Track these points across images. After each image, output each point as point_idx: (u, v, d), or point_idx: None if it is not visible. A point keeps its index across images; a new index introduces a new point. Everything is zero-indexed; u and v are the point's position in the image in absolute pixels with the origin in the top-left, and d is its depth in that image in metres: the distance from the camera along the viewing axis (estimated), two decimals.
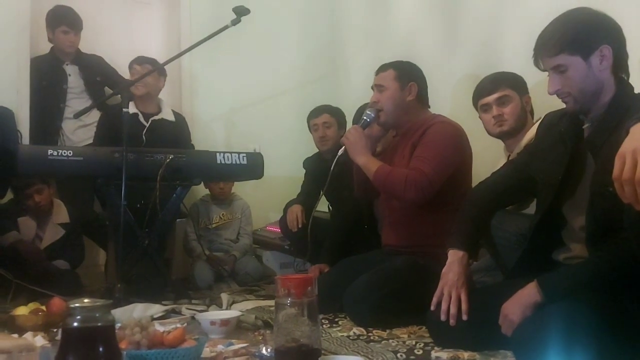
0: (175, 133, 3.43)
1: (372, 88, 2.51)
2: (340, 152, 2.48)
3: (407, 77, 2.46)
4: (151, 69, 3.23)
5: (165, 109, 3.44)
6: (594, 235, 1.59)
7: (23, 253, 3.01)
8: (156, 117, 3.37)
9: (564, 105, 1.69)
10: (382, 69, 2.50)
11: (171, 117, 3.45)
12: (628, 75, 1.66)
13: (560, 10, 1.66)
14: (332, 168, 2.51)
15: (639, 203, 1.18)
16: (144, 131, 3.30)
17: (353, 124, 3.02)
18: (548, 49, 1.62)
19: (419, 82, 2.49)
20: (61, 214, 3.24)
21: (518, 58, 2.05)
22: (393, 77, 2.45)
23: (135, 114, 3.24)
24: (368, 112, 2.46)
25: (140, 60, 3.33)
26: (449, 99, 2.98)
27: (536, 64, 1.67)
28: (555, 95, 1.65)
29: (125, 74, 3.56)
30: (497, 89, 2.30)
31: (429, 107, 2.55)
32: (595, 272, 1.53)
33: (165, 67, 3.20)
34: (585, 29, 1.60)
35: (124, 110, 2.93)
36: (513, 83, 2.32)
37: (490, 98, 2.31)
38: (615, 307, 1.44)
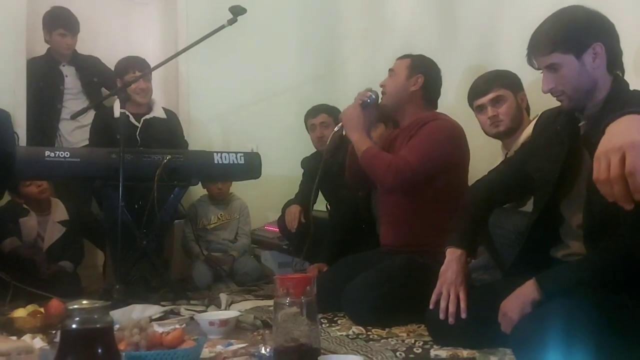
0: (168, 130, 3.40)
1: (388, 71, 2.54)
2: (337, 128, 2.50)
3: (417, 69, 2.48)
4: (143, 73, 3.19)
5: (155, 108, 3.40)
6: (592, 232, 1.60)
7: (27, 257, 3.02)
8: (147, 117, 3.33)
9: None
10: (403, 57, 2.55)
11: (162, 115, 3.41)
12: (623, 72, 1.66)
13: (557, 6, 1.67)
14: (327, 143, 2.51)
15: (623, 201, 1.20)
16: (137, 132, 3.27)
17: None
18: (541, 48, 1.62)
19: (427, 77, 2.49)
20: (60, 211, 3.25)
21: (515, 55, 2.06)
22: (406, 66, 2.49)
23: (126, 115, 3.19)
24: (370, 93, 2.47)
25: (134, 67, 3.25)
26: (447, 96, 2.97)
27: (530, 62, 1.68)
28: (549, 93, 1.66)
29: None
30: (491, 90, 2.30)
31: (436, 107, 2.55)
32: (593, 270, 1.53)
33: (162, 67, 3.19)
34: (578, 27, 1.61)
35: (121, 111, 2.93)
36: (507, 82, 2.32)
37: (485, 99, 2.31)
38: (614, 303, 1.44)
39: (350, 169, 2.57)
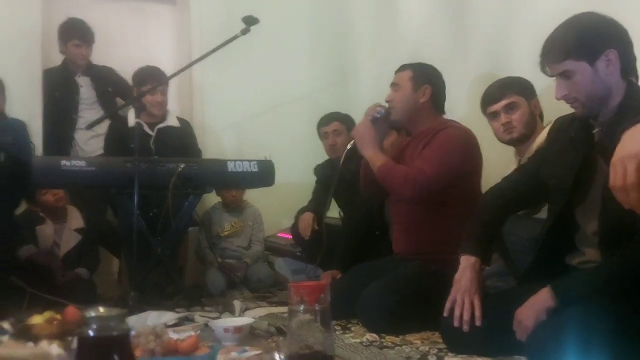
0: (181, 139, 3.42)
1: (390, 86, 2.54)
2: (350, 145, 2.50)
3: (422, 79, 2.48)
4: (157, 84, 3.21)
5: (169, 117, 3.42)
6: (607, 239, 1.59)
7: (43, 265, 3.05)
8: (161, 126, 3.36)
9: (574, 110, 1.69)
10: (402, 68, 2.53)
11: (176, 124, 3.44)
12: (637, 78, 1.65)
13: (570, 12, 1.66)
14: (341, 160, 2.53)
15: (638, 208, 1.19)
16: (151, 141, 3.30)
17: None
18: (554, 55, 1.62)
19: (434, 86, 2.49)
20: (76, 219, 3.29)
21: (528, 61, 2.06)
22: (408, 78, 2.48)
23: (140, 125, 3.19)
24: (379, 108, 2.47)
25: (153, 80, 3.25)
26: (460, 103, 2.97)
27: (543, 70, 1.68)
28: (562, 100, 1.65)
29: None
30: (504, 96, 2.30)
31: (444, 112, 2.56)
32: (609, 277, 1.53)
33: (176, 76, 3.23)
34: (590, 34, 1.60)
35: (136, 120, 2.96)
36: (520, 88, 2.32)
37: (498, 105, 2.31)
38: (630, 311, 1.43)
39: (364, 181, 2.58)
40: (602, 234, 1.60)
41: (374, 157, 2.39)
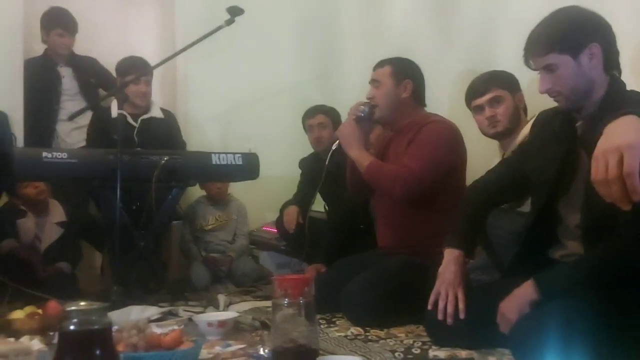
0: (166, 130, 3.39)
1: (369, 83, 2.52)
2: (335, 146, 2.50)
3: (402, 74, 2.47)
4: (139, 74, 3.17)
5: (153, 108, 3.39)
6: (589, 232, 1.60)
7: (25, 259, 3.01)
8: (145, 117, 3.32)
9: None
10: (380, 64, 2.51)
11: (160, 115, 3.40)
12: (620, 72, 1.67)
13: (554, 7, 1.67)
14: (327, 162, 2.52)
15: (621, 202, 1.20)
16: (135, 132, 3.26)
17: None
18: (537, 49, 1.63)
19: (414, 80, 2.49)
20: (58, 212, 3.25)
21: (512, 55, 2.07)
22: (389, 74, 2.46)
23: (123, 116, 3.15)
24: (362, 107, 2.46)
25: (137, 71, 3.21)
26: (444, 97, 2.98)
27: (526, 63, 1.69)
28: (546, 94, 1.66)
29: None
30: (489, 90, 2.31)
31: (425, 105, 2.56)
32: (591, 270, 1.54)
33: (159, 67, 3.19)
34: (574, 27, 1.61)
35: (119, 111, 2.92)
36: (504, 82, 2.33)
37: (482, 99, 2.32)
38: (612, 304, 1.45)
39: (351, 179, 2.57)
40: (585, 227, 1.62)
41: (360, 157, 2.39)
